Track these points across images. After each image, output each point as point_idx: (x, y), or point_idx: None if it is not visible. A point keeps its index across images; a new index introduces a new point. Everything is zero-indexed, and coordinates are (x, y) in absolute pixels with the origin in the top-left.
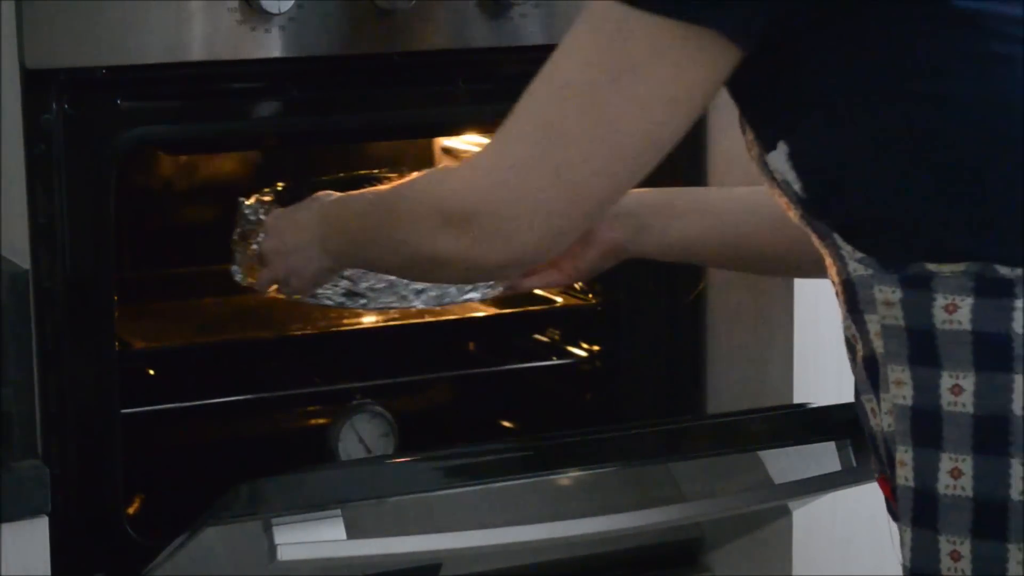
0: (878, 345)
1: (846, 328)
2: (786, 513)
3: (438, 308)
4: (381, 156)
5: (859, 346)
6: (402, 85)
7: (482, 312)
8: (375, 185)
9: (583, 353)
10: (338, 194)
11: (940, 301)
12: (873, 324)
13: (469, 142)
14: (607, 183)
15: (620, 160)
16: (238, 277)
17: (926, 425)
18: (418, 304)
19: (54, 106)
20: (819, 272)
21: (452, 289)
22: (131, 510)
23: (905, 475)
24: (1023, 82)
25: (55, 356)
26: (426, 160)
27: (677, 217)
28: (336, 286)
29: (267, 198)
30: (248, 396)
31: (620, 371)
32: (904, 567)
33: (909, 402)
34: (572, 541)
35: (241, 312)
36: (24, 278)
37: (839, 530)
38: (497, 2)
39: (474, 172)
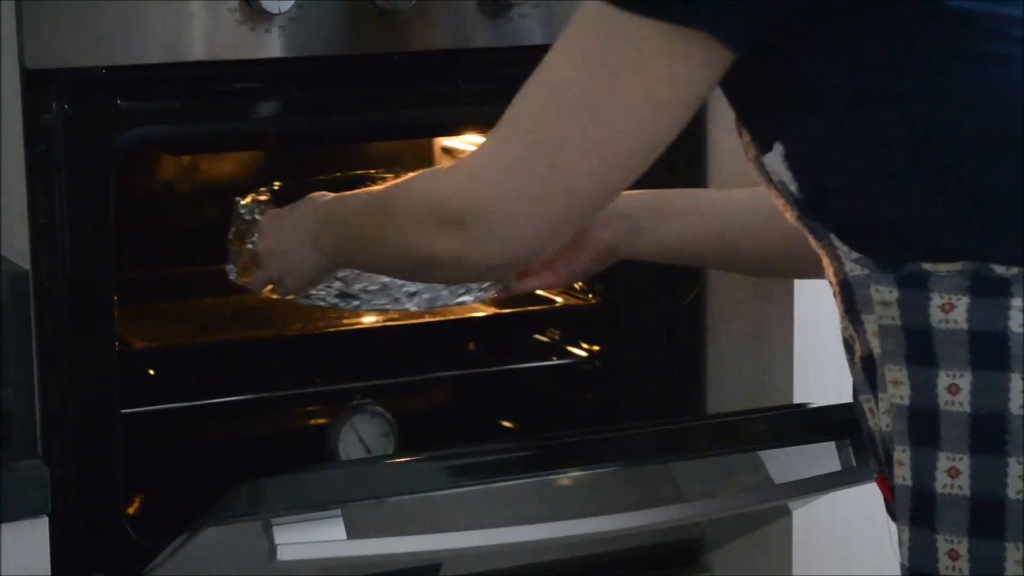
0: (875, 345)
1: (844, 329)
2: (786, 513)
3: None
4: (381, 156)
5: (857, 346)
6: (402, 85)
7: (482, 312)
8: (371, 185)
9: (583, 353)
10: (333, 194)
11: (936, 300)
12: (870, 324)
13: (469, 142)
14: (600, 184)
15: (612, 162)
16: (233, 276)
17: (923, 425)
18: (410, 307)
19: (54, 106)
20: (813, 273)
21: (444, 292)
22: (131, 510)
23: (903, 475)
24: (1020, 81)
25: (55, 356)
26: (426, 160)
27: (670, 219)
28: (329, 287)
29: (263, 198)
30: (248, 396)
31: (620, 371)
32: (902, 567)
33: (906, 402)
34: (572, 541)
35: (241, 312)
36: (24, 278)
37: (839, 530)
38: (497, 2)
39: (468, 173)
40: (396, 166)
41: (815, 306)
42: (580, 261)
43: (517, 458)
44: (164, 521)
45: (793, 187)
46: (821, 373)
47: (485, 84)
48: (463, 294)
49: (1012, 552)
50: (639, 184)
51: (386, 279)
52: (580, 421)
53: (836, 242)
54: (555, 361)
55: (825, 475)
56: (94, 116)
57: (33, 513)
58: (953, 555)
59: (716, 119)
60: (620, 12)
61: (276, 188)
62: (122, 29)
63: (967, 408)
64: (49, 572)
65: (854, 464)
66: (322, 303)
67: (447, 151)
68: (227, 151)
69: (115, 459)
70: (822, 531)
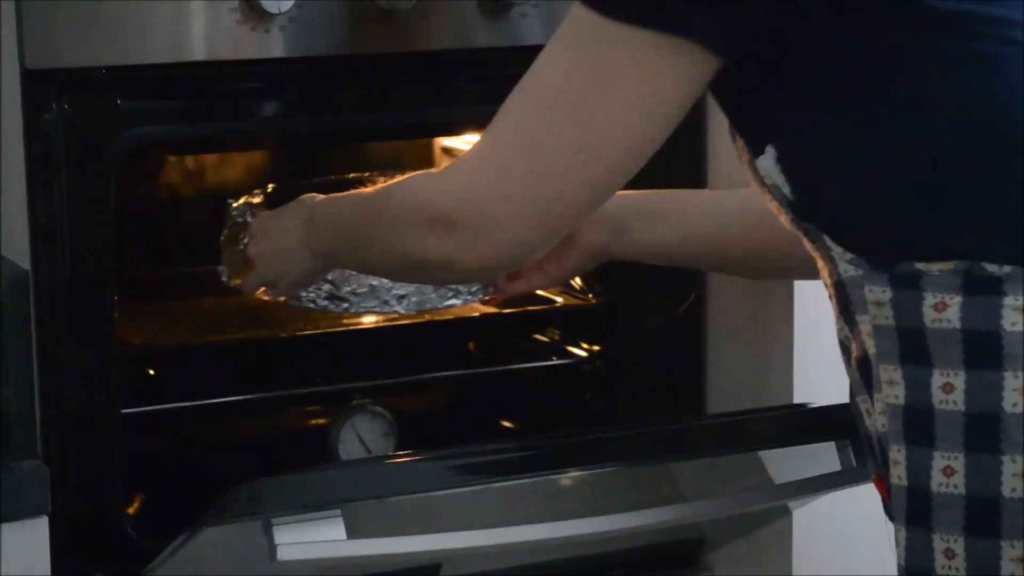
0: (870, 345)
1: (839, 330)
2: (786, 513)
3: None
4: (381, 156)
5: (853, 347)
6: (402, 85)
7: (482, 312)
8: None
9: (583, 353)
10: (324, 196)
11: (929, 300)
12: (864, 324)
13: (469, 142)
14: (587, 190)
15: (599, 168)
16: (225, 278)
17: (918, 424)
18: (399, 309)
19: (54, 106)
20: (801, 274)
21: (433, 295)
22: (131, 510)
23: (899, 474)
24: (1010, 81)
25: (55, 356)
26: (426, 160)
27: (654, 220)
28: (319, 289)
29: (255, 200)
30: (248, 396)
31: (620, 371)
32: (899, 567)
33: (901, 401)
34: (572, 541)
35: (241, 312)
36: (24, 278)
37: (839, 530)
38: (497, 2)
39: (458, 176)
40: (390, 169)
41: (815, 306)
42: (569, 261)
43: (517, 458)
44: (164, 521)
45: (786, 189)
46: (821, 373)
47: (485, 84)
48: (452, 297)
49: (1008, 550)
50: (640, 184)
51: (375, 281)
52: (580, 421)
53: (830, 243)
54: (555, 361)
55: (825, 475)
56: (94, 116)
57: (33, 513)
58: (949, 554)
59: (716, 119)
60: (606, 21)
61: (269, 191)
62: (122, 29)
63: (961, 407)
64: (49, 572)
65: (854, 464)
66: (312, 305)
67: (447, 151)
68: (227, 151)
69: (115, 459)
70: (822, 531)
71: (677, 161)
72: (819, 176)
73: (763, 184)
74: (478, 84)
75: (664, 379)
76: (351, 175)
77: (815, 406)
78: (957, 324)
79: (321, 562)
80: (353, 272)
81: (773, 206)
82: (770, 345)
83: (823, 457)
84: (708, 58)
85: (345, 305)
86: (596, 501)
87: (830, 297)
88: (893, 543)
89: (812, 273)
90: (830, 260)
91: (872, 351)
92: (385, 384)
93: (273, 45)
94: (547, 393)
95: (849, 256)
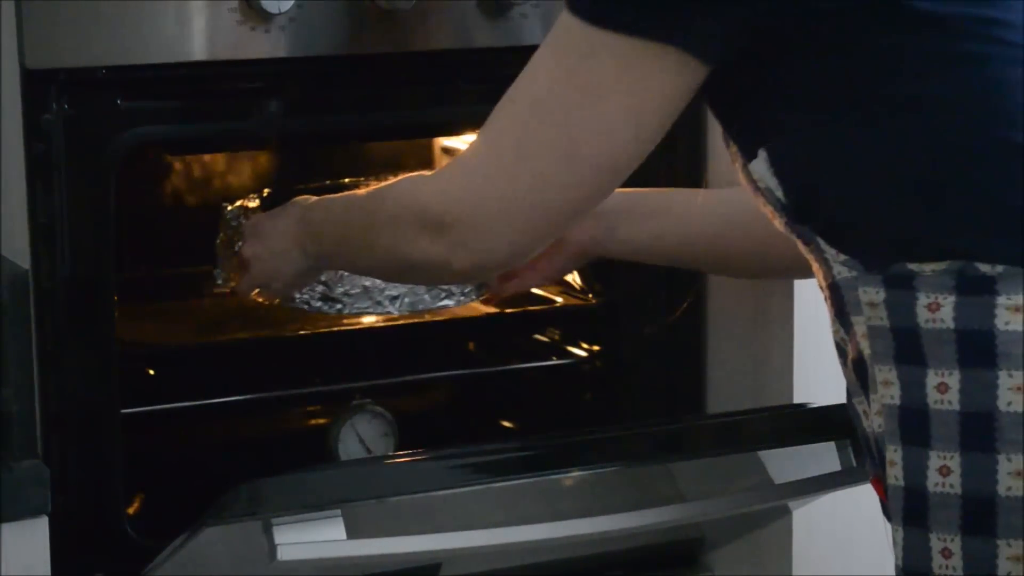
0: (865, 346)
1: (835, 332)
2: (786, 513)
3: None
4: (381, 156)
5: (848, 349)
6: (402, 85)
7: (482, 312)
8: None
9: (583, 353)
10: (317, 198)
11: (923, 300)
12: (859, 326)
13: (469, 142)
14: (577, 194)
15: (588, 174)
16: (220, 281)
17: (914, 424)
18: (392, 310)
19: (54, 106)
20: (799, 273)
21: (426, 296)
22: (131, 510)
23: (895, 474)
24: (999, 81)
25: (55, 356)
26: (426, 160)
27: (647, 218)
28: (312, 290)
29: (251, 203)
30: (248, 396)
31: (620, 371)
32: (897, 567)
33: (897, 401)
34: (572, 541)
35: (241, 312)
36: (24, 278)
37: (839, 530)
38: (497, 2)
39: (450, 179)
40: (387, 174)
41: (815, 306)
42: (560, 259)
43: (517, 458)
44: (164, 521)
45: (779, 192)
46: (821, 373)
47: (485, 84)
48: (445, 298)
49: (1004, 549)
50: (640, 184)
51: (368, 283)
52: (580, 421)
53: (823, 245)
54: (555, 361)
55: (825, 475)
56: (94, 116)
57: (33, 513)
58: (946, 553)
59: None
60: (593, 29)
61: (264, 195)
62: (122, 29)
63: (956, 406)
64: (49, 572)
65: (854, 464)
66: (305, 307)
67: (447, 151)
68: (227, 151)
69: (115, 459)
70: (822, 531)
71: (677, 161)
72: (813, 178)
73: (756, 188)
74: (478, 84)
75: (664, 379)
76: (347, 180)
77: (815, 406)
78: (951, 324)
79: (321, 562)
80: (346, 273)
81: (767, 210)
82: (770, 345)
83: (823, 457)
84: (694, 65)
85: (338, 306)
86: (596, 501)
87: (825, 299)
88: (890, 543)
89: (810, 272)
90: (824, 262)
91: (867, 352)
92: (385, 384)
93: (273, 45)
94: (547, 393)
95: (843, 258)
